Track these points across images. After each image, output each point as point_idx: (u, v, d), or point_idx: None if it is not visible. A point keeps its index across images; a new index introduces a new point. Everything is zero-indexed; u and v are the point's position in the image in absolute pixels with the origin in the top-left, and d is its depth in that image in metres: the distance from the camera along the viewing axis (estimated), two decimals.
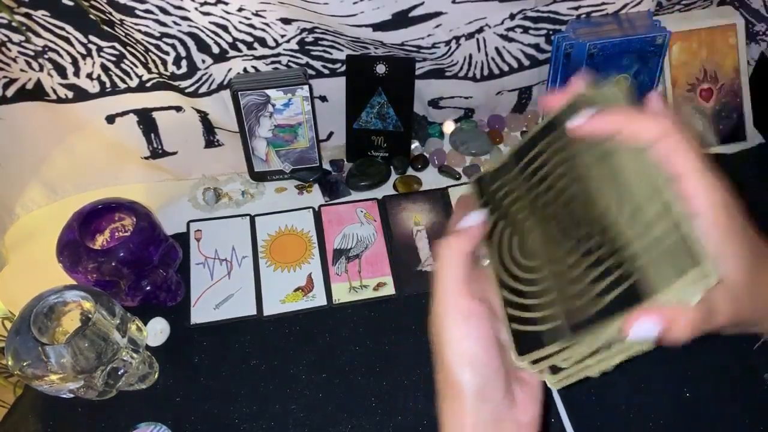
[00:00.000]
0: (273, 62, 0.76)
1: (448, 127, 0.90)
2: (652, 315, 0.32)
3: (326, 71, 0.79)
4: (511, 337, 0.39)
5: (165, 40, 0.67)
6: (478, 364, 0.38)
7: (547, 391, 0.52)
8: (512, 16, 0.74)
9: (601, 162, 0.37)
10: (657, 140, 0.35)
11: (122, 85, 0.74)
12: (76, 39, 0.68)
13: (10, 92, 0.73)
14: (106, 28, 0.67)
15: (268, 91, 0.76)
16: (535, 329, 0.38)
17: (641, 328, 0.33)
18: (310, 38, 0.73)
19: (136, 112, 0.77)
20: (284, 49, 0.74)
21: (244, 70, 0.76)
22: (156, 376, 0.66)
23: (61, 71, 0.71)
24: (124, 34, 0.67)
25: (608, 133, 0.37)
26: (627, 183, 0.35)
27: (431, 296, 0.41)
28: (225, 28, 0.69)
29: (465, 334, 0.38)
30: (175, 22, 0.66)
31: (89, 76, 0.72)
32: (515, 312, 0.40)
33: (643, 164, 0.35)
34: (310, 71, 0.78)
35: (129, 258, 0.66)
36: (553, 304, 0.37)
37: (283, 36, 0.72)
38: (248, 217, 0.81)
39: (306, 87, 0.76)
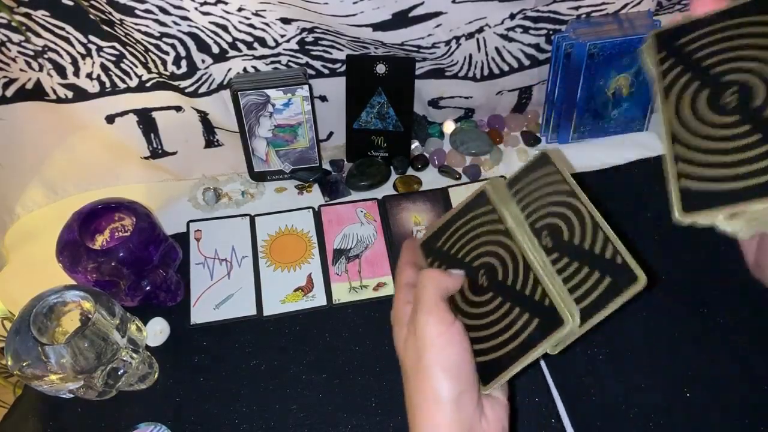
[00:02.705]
0: (273, 62, 0.76)
1: (448, 127, 0.90)
2: None
3: (326, 71, 0.79)
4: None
5: (165, 40, 0.67)
6: (456, 372, 0.41)
7: (548, 393, 0.52)
8: (512, 16, 0.74)
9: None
10: None
11: (122, 85, 0.74)
12: (76, 39, 0.68)
13: (9, 92, 0.73)
14: (105, 28, 0.67)
15: (268, 91, 0.76)
16: (497, 355, 0.43)
17: None
18: (310, 38, 0.73)
19: (136, 112, 0.77)
20: (284, 49, 0.74)
21: (244, 70, 0.76)
22: (156, 376, 0.66)
23: (61, 71, 0.71)
24: (123, 34, 0.67)
25: None
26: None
27: (403, 321, 0.45)
28: (225, 28, 0.69)
29: (448, 341, 0.41)
30: (174, 22, 0.66)
31: (89, 76, 0.72)
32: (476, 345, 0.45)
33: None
34: (310, 71, 0.78)
35: (129, 258, 0.66)
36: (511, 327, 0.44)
37: (283, 36, 0.72)
38: (248, 217, 0.81)
39: (306, 87, 0.76)
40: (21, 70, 0.70)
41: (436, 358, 0.40)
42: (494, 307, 0.45)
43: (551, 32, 0.78)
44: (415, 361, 0.41)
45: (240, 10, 0.67)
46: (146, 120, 0.78)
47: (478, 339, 0.45)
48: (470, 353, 0.42)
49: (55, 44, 0.68)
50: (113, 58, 0.71)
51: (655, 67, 0.44)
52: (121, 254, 0.65)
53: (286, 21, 0.70)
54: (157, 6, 0.64)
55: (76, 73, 0.71)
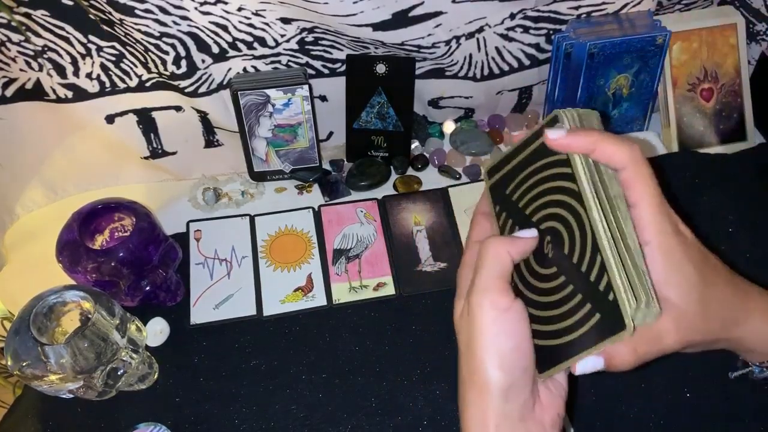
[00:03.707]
0: (273, 62, 0.76)
1: (448, 127, 0.90)
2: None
3: (326, 71, 0.79)
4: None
5: (165, 39, 0.67)
6: (507, 362, 0.38)
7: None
8: (512, 16, 0.74)
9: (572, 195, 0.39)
10: (624, 166, 0.37)
11: (122, 85, 0.74)
12: (76, 39, 0.68)
13: (9, 92, 0.73)
14: (105, 27, 0.67)
15: (268, 91, 0.76)
16: (554, 343, 0.39)
17: (586, 365, 0.36)
18: (310, 38, 0.73)
19: (135, 112, 0.77)
20: (284, 49, 0.74)
21: (244, 69, 0.76)
22: (156, 376, 0.66)
23: (61, 71, 0.71)
24: (123, 34, 0.67)
25: (581, 150, 0.38)
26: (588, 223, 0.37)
27: (464, 289, 0.41)
28: (225, 28, 0.69)
29: (501, 329, 0.38)
30: (174, 22, 0.66)
31: (89, 75, 0.72)
32: (534, 326, 0.40)
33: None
34: (310, 71, 0.78)
35: (129, 258, 0.66)
36: (575, 312, 0.38)
37: (282, 36, 0.72)
38: (248, 217, 0.81)
39: (306, 87, 0.76)
40: (21, 69, 0.70)
41: (486, 347, 0.37)
42: (556, 286, 0.39)
43: (551, 32, 0.78)
44: (466, 343, 0.39)
45: (240, 9, 0.67)
46: (146, 120, 0.78)
47: (538, 318, 0.39)
48: (528, 339, 0.38)
49: (55, 44, 0.68)
50: (113, 58, 0.71)
51: (494, 220, 0.44)
52: (121, 254, 0.65)
53: (286, 21, 0.70)
54: (157, 6, 0.64)
55: (76, 73, 0.71)
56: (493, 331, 0.38)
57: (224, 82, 0.76)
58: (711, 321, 0.39)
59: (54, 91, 0.73)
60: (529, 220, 0.41)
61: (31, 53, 0.68)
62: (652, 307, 0.35)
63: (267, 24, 0.70)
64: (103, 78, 0.73)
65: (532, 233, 0.41)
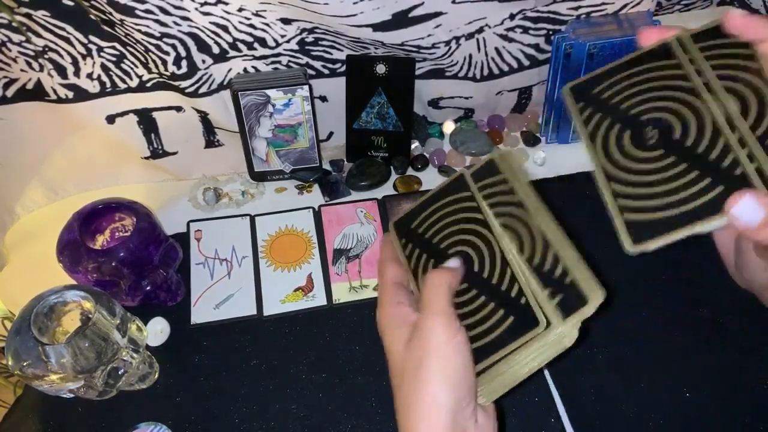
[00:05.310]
0: (273, 62, 0.76)
1: (448, 127, 0.90)
2: (760, 197, 0.33)
3: (326, 71, 0.79)
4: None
5: (165, 40, 0.68)
6: (458, 381, 0.40)
7: (547, 393, 0.51)
8: (512, 17, 0.74)
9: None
10: None
11: (122, 85, 0.74)
12: (77, 39, 0.68)
13: (10, 92, 0.73)
14: (106, 28, 0.67)
15: (268, 91, 0.76)
16: (476, 345, 0.43)
17: (744, 209, 0.34)
18: (310, 38, 0.73)
19: (136, 112, 0.77)
20: (284, 49, 0.74)
21: (244, 70, 0.76)
22: (156, 376, 0.66)
23: (62, 71, 0.71)
24: (124, 34, 0.67)
25: (759, 38, 0.39)
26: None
27: (392, 322, 0.44)
28: (225, 29, 0.69)
29: (454, 350, 0.41)
30: (175, 23, 0.67)
31: (89, 76, 0.72)
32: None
33: None
34: (310, 71, 0.78)
35: (129, 258, 0.66)
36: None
37: (283, 36, 0.72)
38: (248, 217, 0.81)
39: (306, 87, 0.76)
40: (21, 70, 0.70)
41: (440, 367, 0.40)
42: (468, 299, 0.44)
43: (551, 32, 0.78)
44: (416, 364, 0.41)
45: (240, 10, 0.67)
46: (146, 120, 0.78)
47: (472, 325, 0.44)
48: (471, 358, 0.42)
49: (56, 44, 0.68)
50: (114, 59, 0.71)
51: (576, 116, 0.46)
52: (122, 254, 0.65)
53: (286, 21, 0.70)
54: (158, 6, 0.64)
55: (77, 74, 0.71)
56: (447, 353, 0.40)
57: (225, 83, 0.76)
58: None
59: (55, 91, 0.73)
60: (438, 248, 0.47)
61: (32, 54, 0.69)
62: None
63: (267, 24, 0.70)
64: (104, 78, 0.73)
65: (456, 263, 0.45)
